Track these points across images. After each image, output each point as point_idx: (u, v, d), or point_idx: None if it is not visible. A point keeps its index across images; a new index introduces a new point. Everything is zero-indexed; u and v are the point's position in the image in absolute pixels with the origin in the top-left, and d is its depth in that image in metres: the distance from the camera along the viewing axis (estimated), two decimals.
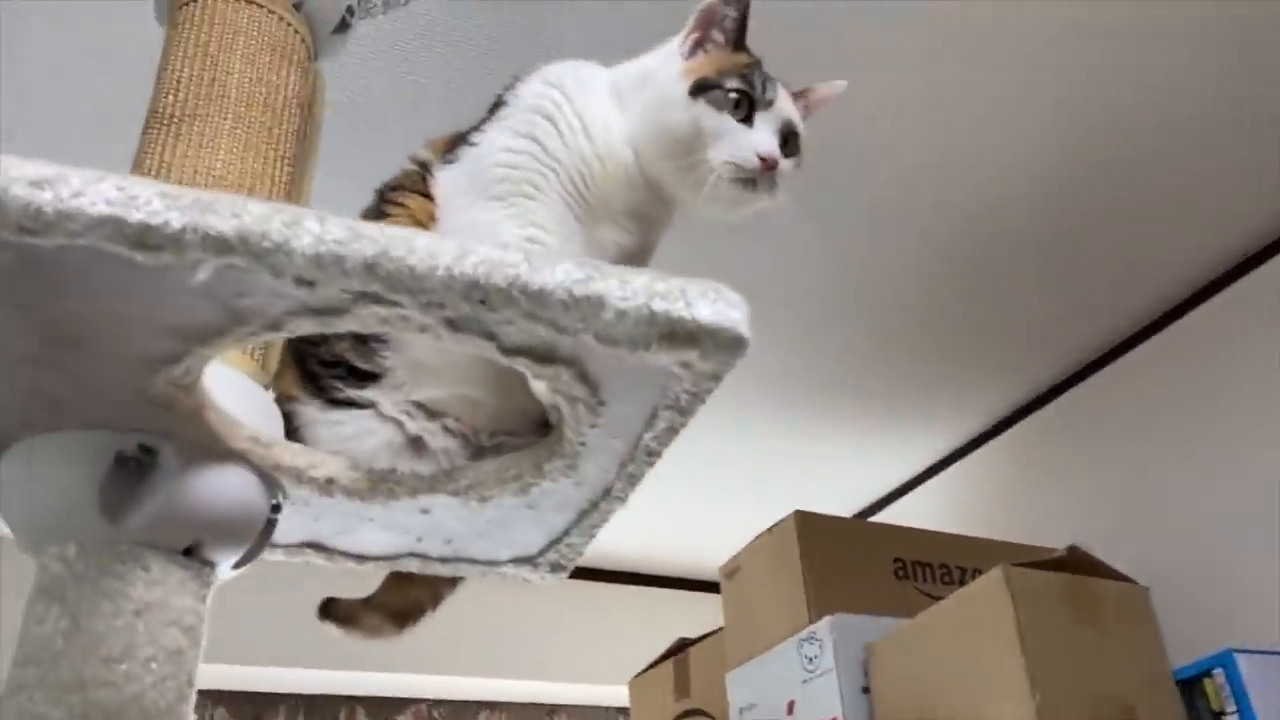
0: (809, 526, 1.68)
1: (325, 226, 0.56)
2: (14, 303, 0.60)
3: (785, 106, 0.92)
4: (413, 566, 1.01)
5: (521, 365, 0.66)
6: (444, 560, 1.01)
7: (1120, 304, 2.25)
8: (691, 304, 0.61)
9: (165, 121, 0.97)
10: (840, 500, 2.92)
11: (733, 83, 0.89)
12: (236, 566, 0.83)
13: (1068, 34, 1.64)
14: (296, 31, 1.09)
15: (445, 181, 0.92)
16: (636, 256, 0.94)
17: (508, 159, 0.88)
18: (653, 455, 0.78)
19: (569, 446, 0.77)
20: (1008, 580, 1.41)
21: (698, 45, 0.93)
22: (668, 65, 0.93)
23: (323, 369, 0.90)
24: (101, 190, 0.53)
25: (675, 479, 2.67)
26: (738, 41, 0.94)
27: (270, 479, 0.82)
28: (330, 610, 1.02)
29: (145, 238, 0.54)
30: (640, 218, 0.92)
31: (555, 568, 1.02)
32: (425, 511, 0.89)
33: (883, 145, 1.82)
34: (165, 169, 0.94)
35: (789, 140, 0.91)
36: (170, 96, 0.99)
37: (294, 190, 1.03)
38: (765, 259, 2.03)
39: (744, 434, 2.56)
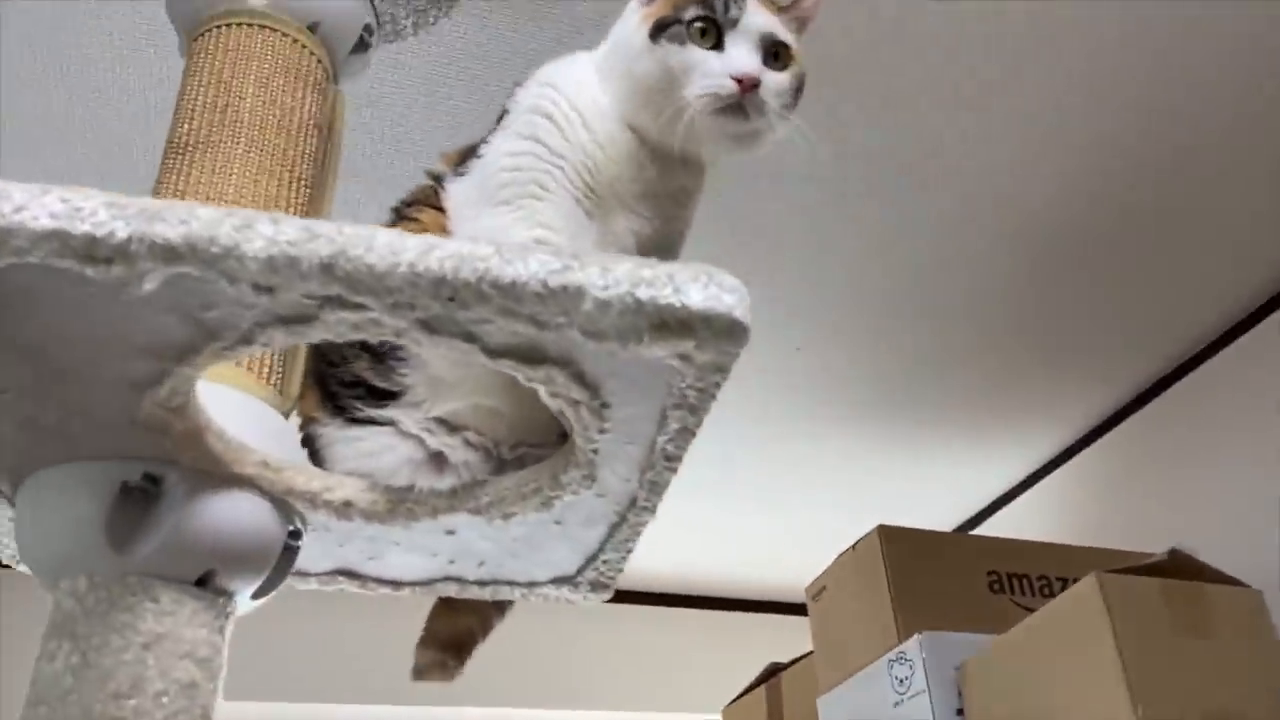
0: (894, 541, 1.59)
1: (279, 228, 0.53)
2: None
3: (758, 19, 0.83)
4: (451, 591, 0.97)
5: (509, 368, 0.62)
6: (481, 583, 0.97)
7: (1221, 295, 2.10)
8: (680, 289, 0.56)
9: (181, 150, 0.97)
10: (934, 516, 2.80)
11: (691, 11, 0.82)
12: (256, 596, 0.81)
13: (1146, 25, 1.55)
14: (312, 53, 1.08)
15: (456, 194, 0.89)
16: (662, 245, 0.89)
17: (512, 163, 0.85)
18: (672, 460, 0.73)
19: (582, 455, 0.73)
20: (1102, 587, 1.30)
21: None
22: (628, 19, 0.87)
23: (343, 389, 0.87)
24: (45, 204, 0.51)
25: (759, 497, 2.60)
26: None
27: (284, 505, 0.79)
28: (417, 671, 1.00)
29: (93, 250, 0.51)
30: (655, 198, 0.87)
31: (597, 587, 0.97)
32: (450, 532, 0.86)
33: (973, 138, 1.73)
34: (179, 198, 0.93)
35: (778, 53, 0.83)
36: (185, 125, 0.98)
37: (311, 212, 1.02)
38: (840, 261, 1.96)
39: (829, 448, 2.47)
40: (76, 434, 0.69)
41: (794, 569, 2.75)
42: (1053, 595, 1.64)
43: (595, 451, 0.72)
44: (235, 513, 0.76)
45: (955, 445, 2.52)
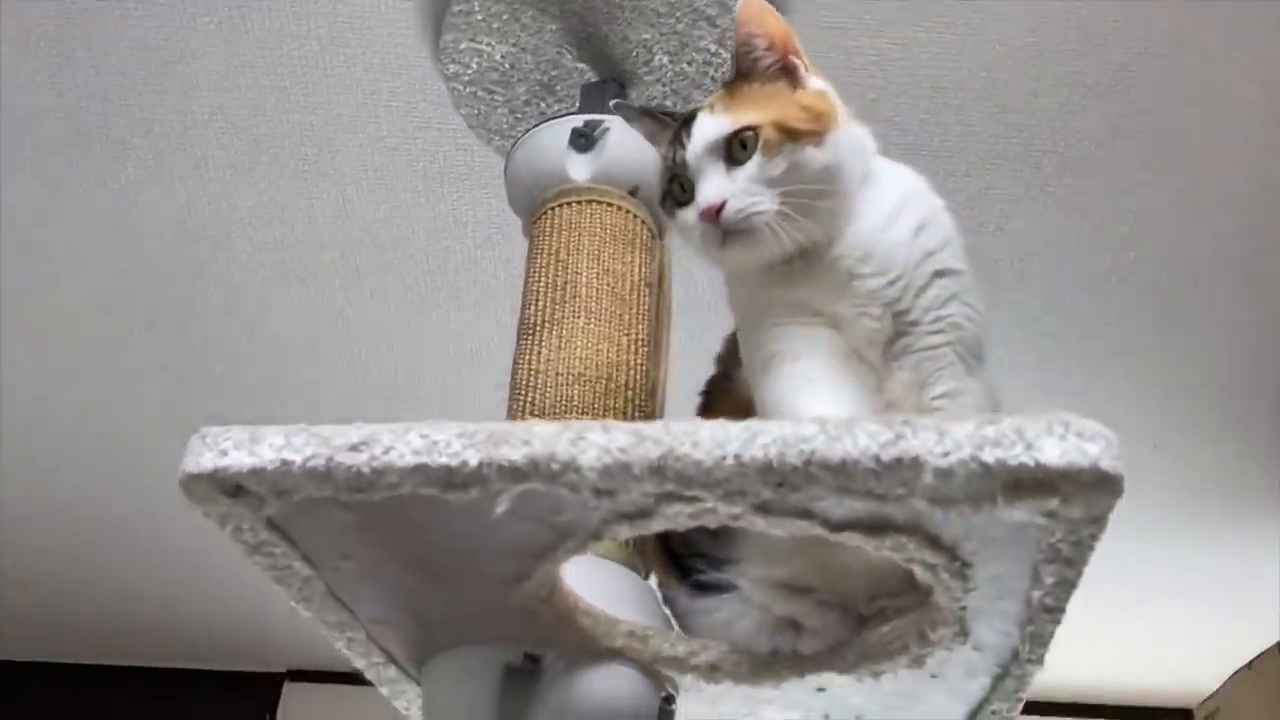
0: None
1: (610, 436, 0.55)
2: (376, 545, 0.66)
3: (702, 134, 0.79)
4: None
5: (855, 540, 0.59)
6: None
7: None
8: (1033, 446, 0.51)
9: (530, 330, 1.05)
10: None
11: (665, 177, 0.84)
12: None
13: None
14: (636, 216, 1.14)
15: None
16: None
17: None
18: (1054, 611, 0.65)
19: (949, 613, 0.67)
20: None
21: None
22: None
23: (686, 553, 0.88)
24: (409, 441, 0.56)
25: (1142, 600, 2.31)
26: (672, 140, 0.84)
27: (654, 672, 0.81)
28: None
29: (451, 479, 0.56)
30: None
31: None
32: (821, 690, 0.83)
33: None
34: (533, 375, 1.01)
35: (744, 143, 0.77)
36: (531, 308, 1.07)
37: (651, 366, 1.05)
38: (1216, 357, 1.74)
39: (1222, 545, 2.16)
40: (463, 624, 0.75)
41: (1180, 675, 2.41)
42: None
43: (963, 609, 0.66)
44: (610, 684, 0.78)
45: None
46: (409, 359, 1.82)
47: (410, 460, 0.56)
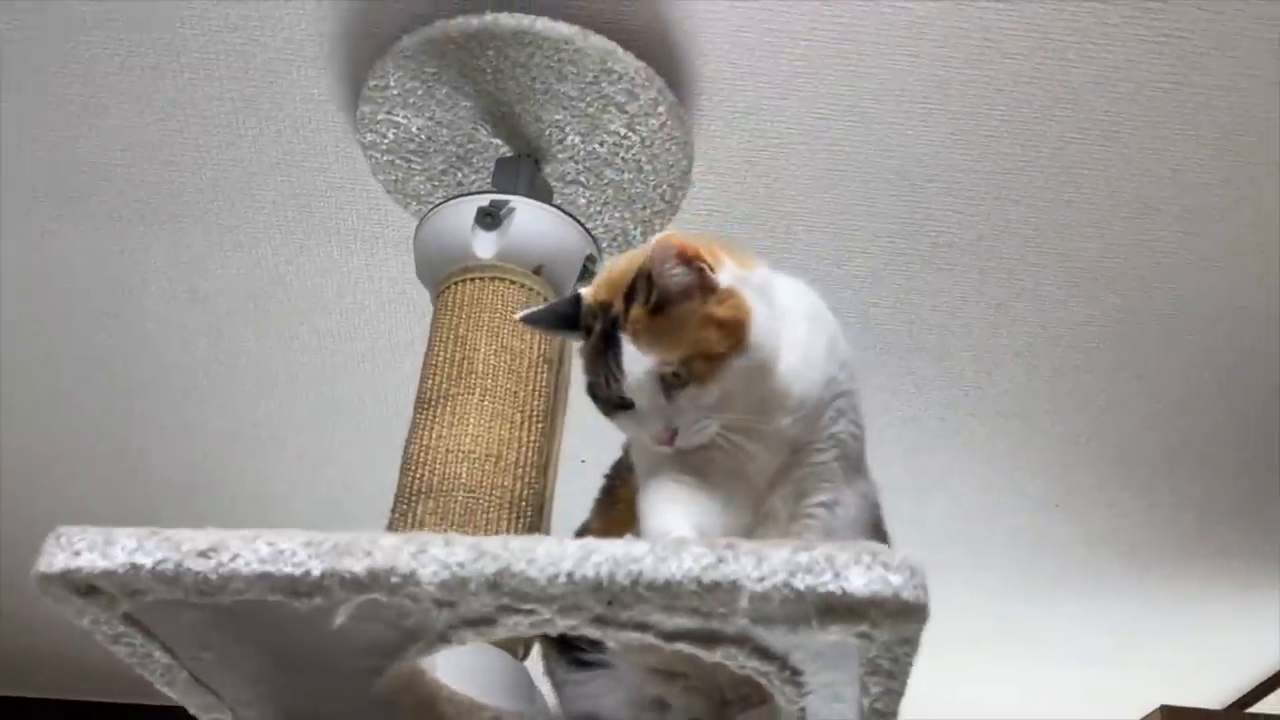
0: None
1: (450, 550, 0.57)
2: (233, 640, 0.67)
3: (631, 370, 0.77)
4: None
5: (689, 650, 0.61)
6: None
7: None
8: (841, 575, 0.54)
9: (426, 406, 1.07)
10: (1210, 688, 2.44)
11: (591, 392, 0.81)
12: None
13: None
14: (539, 294, 1.17)
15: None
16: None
17: None
18: (886, 716, 0.68)
19: (789, 714, 0.70)
20: None
21: None
22: None
23: (569, 634, 0.90)
24: (256, 549, 0.58)
25: (1039, 655, 2.38)
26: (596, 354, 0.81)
27: None
28: None
29: (295, 587, 0.57)
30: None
31: None
32: None
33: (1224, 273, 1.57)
34: (425, 451, 1.03)
35: (665, 380, 0.76)
36: (429, 382, 1.09)
37: (545, 443, 1.08)
38: (1113, 423, 1.82)
39: (1100, 606, 2.24)
40: (326, 713, 0.76)
41: None
42: None
43: (803, 710, 0.69)
44: None
45: (1235, 610, 2.21)
46: (321, 409, 1.83)
47: (256, 568, 0.58)
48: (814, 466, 0.80)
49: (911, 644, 0.58)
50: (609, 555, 0.56)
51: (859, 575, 0.54)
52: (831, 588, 0.54)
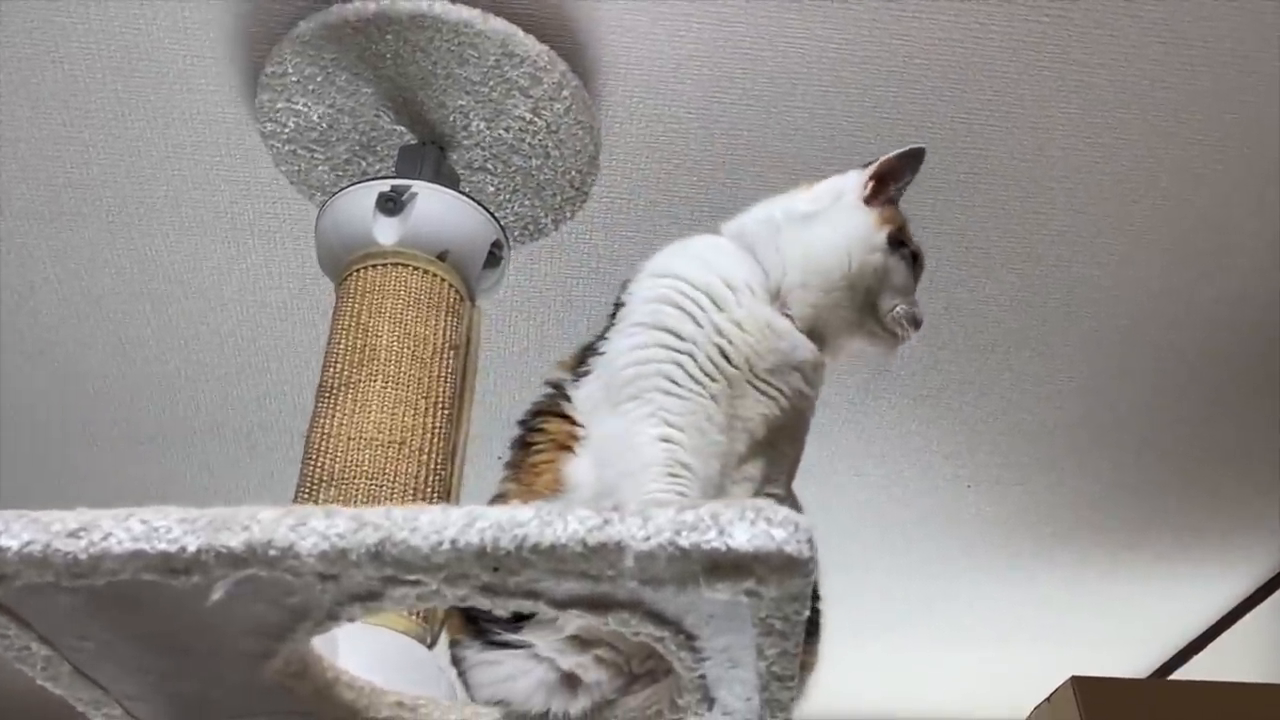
0: (1092, 693, 1.43)
1: (330, 521, 0.56)
2: (112, 626, 0.64)
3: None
4: None
5: (581, 618, 0.61)
6: None
7: None
8: (725, 531, 0.54)
9: (327, 394, 1.05)
10: (1130, 659, 2.53)
11: (914, 246, 0.92)
12: None
13: None
14: (444, 280, 1.16)
15: (582, 397, 0.89)
16: (788, 426, 0.87)
17: (638, 356, 0.85)
18: (784, 679, 0.69)
19: (689, 681, 0.70)
20: None
21: (875, 197, 0.93)
22: (848, 209, 0.93)
23: (480, 612, 0.89)
24: (129, 527, 0.56)
25: (945, 636, 2.44)
26: (897, 203, 0.95)
27: None
28: None
29: (170, 564, 0.56)
30: (786, 374, 0.87)
31: None
32: None
33: (1150, 255, 1.63)
34: (327, 439, 1.01)
35: None
36: (330, 370, 1.07)
37: (451, 429, 1.07)
38: (1020, 402, 1.87)
39: (1013, 587, 2.31)
40: (219, 700, 0.73)
41: (986, 708, 2.55)
42: None
43: (702, 677, 0.69)
44: None
45: (1149, 582, 2.30)
46: (221, 409, 1.78)
47: (129, 546, 0.56)
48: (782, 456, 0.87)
49: (800, 601, 0.59)
50: (494, 521, 0.56)
51: (743, 531, 0.54)
52: (716, 544, 0.54)
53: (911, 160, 0.93)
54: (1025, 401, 1.88)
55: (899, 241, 0.91)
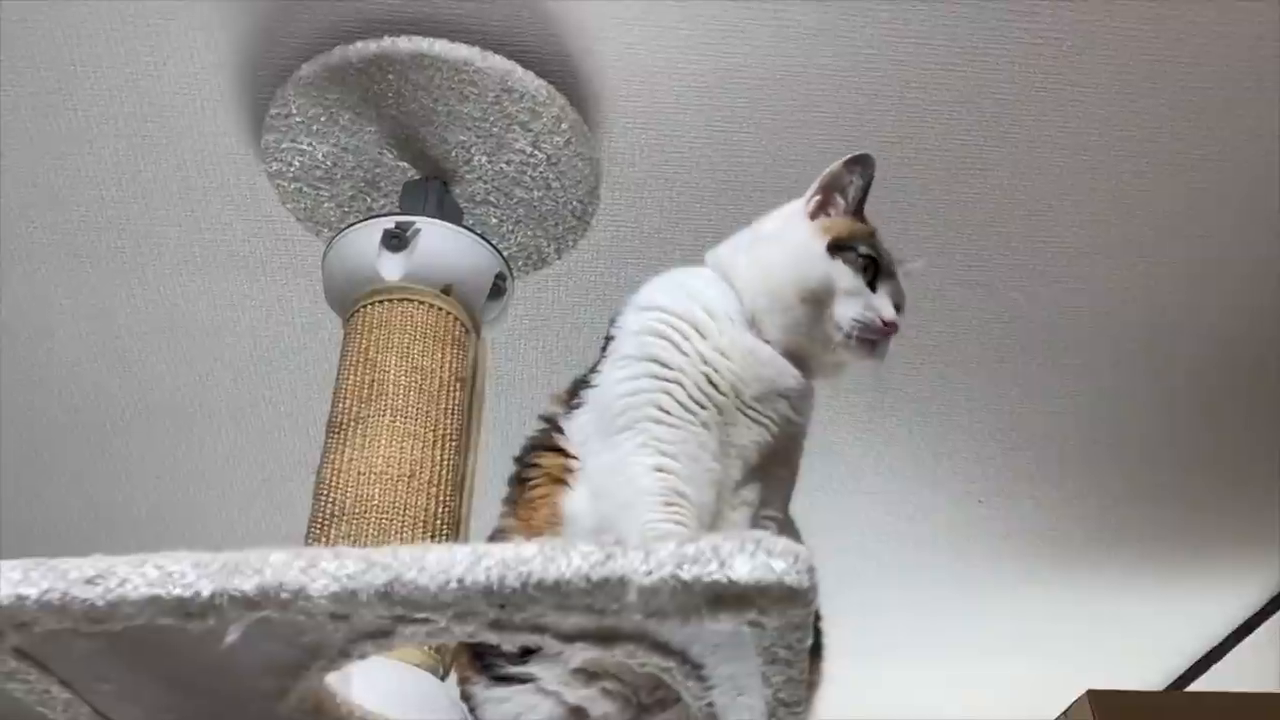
0: (1109, 706, 1.43)
1: (340, 562, 0.57)
2: (131, 668, 0.66)
3: (900, 280, 0.91)
4: None
5: (588, 650, 0.62)
6: None
7: None
8: (726, 563, 0.55)
9: (337, 429, 1.07)
10: (1145, 671, 2.52)
11: (864, 248, 0.90)
12: None
13: None
14: (449, 313, 1.18)
15: (575, 430, 0.91)
16: (780, 452, 0.88)
17: (628, 387, 0.86)
18: (792, 706, 0.70)
19: (698, 710, 0.71)
20: None
21: (821, 208, 0.94)
22: (794, 225, 0.93)
23: (486, 648, 0.90)
24: (144, 573, 0.58)
25: (966, 648, 2.43)
26: (858, 210, 0.94)
27: None
28: None
29: (186, 609, 0.57)
30: (773, 400, 0.88)
31: None
32: None
33: (1151, 271, 1.64)
34: (337, 475, 1.02)
35: (899, 310, 0.90)
36: (339, 405, 1.09)
37: (459, 461, 1.08)
38: (1029, 416, 1.87)
39: (1029, 598, 2.31)
40: None
41: None
42: None
43: (710, 705, 0.70)
44: None
45: (1163, 593, 2.29)
46: (241, 445, 1.80)
47: (145, 592, 0.57)
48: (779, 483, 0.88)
49: (803, 630, 0.60)
50: (499, 559, 0.57)
51: (743, 563, 0.55)
52: (717, 576, 0.55)
53: (856, 166, 0.93)
54: (1034, 416, 1.88)
55: (840, 246, 0.90)
